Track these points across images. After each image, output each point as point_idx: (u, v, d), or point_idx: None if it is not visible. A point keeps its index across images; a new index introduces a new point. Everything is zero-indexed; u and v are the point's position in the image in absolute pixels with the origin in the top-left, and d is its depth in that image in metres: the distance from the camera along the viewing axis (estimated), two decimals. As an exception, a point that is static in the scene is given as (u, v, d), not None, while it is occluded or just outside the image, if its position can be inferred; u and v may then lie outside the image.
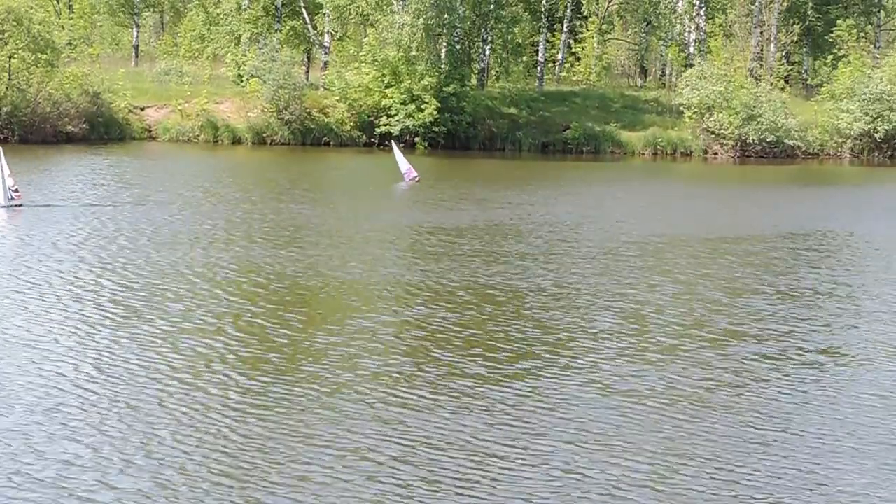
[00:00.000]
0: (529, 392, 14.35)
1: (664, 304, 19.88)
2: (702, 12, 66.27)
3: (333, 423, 12.87)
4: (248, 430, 12.62)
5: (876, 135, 57.67)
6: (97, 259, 22.33)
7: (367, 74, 55.27)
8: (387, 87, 54.49)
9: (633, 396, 14.28)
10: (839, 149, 58.46)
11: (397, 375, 14.91)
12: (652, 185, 44.08)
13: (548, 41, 65.08)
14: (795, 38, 64.38)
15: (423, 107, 53.43)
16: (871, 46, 66.10)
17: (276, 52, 55.59)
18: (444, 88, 54.19)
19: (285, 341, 16.50)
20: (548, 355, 16.20)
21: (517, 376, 15.09)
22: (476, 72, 59.43)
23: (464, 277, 21.54)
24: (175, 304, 18.56)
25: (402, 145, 45.58)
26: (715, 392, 14.65)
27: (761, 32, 64.77)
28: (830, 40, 64.29)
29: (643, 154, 56.38)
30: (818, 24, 66.31)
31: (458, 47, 57.68)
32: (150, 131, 52.72)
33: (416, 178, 38.56)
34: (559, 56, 66.72)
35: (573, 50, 66.68)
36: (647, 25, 69.65)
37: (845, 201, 39.56)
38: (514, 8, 61.27)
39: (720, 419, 13.54)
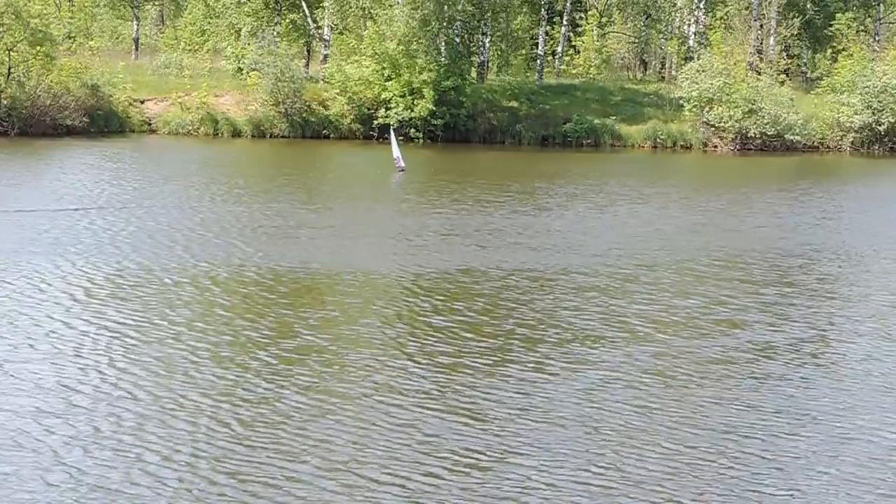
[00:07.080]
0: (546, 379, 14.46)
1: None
2: (701, 5, 66.16)
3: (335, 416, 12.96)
4: (251, 426, 12.70)
5: (880, 127, 57.56)
6: (97, 257, 22.42)
7: (367, 67, 55.23)
8: (387, 81, 54.44)
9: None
10: (840, 142, 58.38)
11: (400, 369, 15.00)
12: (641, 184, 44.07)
13: (547, 34, 65.00)
14: (795, 32, 64.25)
15: (418, 101, 53.36)
16: (871, 40, 66.00)
17: (275, 44, 55.53)
18: (444, 82, 54.11)
19: (283, 337, 16.59)
20: (583, 347, 16.30)
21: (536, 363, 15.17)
22: (475, 65, 59.37)
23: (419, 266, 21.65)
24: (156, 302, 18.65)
25: (401, 138, 45.78)
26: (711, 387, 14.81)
27: (761, 26, 64.67)
28: (830, 34, 64.14)
29: (643, 147, 56.30)
30: (818, 17, 66.17)
31: (457, 40, 57.59)
32: (149, 124, 52.66)
33: (401, 168, 39.42)
34: (559, 49, 66.65)
35: (573, 43, 66.57)
36: (646, 18, 69.53)
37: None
38: (513, 0, 61.14)
39: (716, 413, 13.67)
